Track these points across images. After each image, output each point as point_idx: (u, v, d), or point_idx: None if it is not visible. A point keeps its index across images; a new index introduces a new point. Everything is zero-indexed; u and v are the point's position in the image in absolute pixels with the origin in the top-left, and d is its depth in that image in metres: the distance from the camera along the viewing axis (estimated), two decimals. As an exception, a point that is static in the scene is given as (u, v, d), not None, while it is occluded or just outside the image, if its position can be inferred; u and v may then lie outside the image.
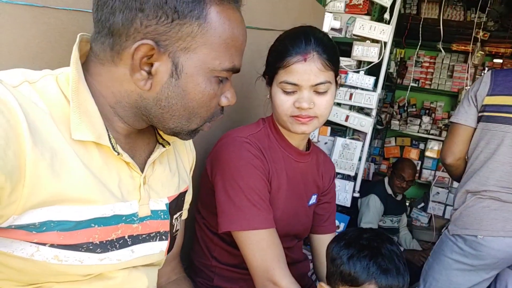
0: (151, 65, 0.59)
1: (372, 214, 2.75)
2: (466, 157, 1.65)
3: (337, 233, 0.95)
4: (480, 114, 1.57)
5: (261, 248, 0.90)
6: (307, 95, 0.94)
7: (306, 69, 0.92)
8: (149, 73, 0.59)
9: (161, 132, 0.74)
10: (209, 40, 0.58)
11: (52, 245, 0.55)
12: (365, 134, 2.43)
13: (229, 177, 0.93)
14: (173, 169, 0.77)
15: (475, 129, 1.59)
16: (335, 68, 0.97)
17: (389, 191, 2.93)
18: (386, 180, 2.98)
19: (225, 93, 0.67)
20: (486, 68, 4.12)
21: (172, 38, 0.57)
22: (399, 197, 2.99)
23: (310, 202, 1.13)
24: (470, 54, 3.38)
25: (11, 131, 0.48)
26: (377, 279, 0.74)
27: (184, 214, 0.85)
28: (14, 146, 0.48)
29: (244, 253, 0.93)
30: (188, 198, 0.86)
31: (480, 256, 1.52)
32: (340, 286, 0.78)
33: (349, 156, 2.37)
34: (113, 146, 0.61)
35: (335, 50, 0.97)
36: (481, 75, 4.06)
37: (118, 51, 0.58)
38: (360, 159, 2.40)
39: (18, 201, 0.50)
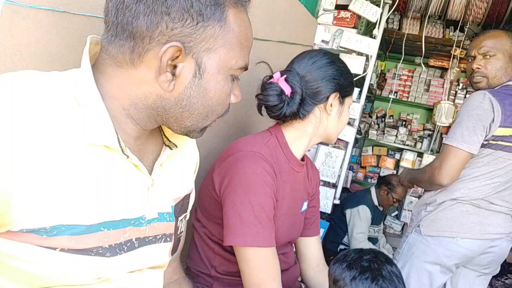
0: (174, 66, 0.60)
1: (364, 224, 2.82)
2: None
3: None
4: (486, 142, 1.55)
5: (259, 265, 0.93)
6: None
7: None
8: (173, 74, 0.60)
9: (167, 134, 0.75)
10: (228, 41, 0.62)
11: (62, 250, 0.55)
12: (347, 143, 2.51)
13: (240, 192, 0.94)
14: (178, 172, 0.78)
15: None
16: None
17: (375, 202, 3.00)
18: (372, 190, 3.05)
19: (234, 90, 0.70)
20: (461, 84, 4.31)
21: (197, 40, 0.60)
22: (381, 208, 3.09)
23: (303, 209, 1.17)
24: (448, 70, 3.53)
25: (20, 134, 0.49)
26: None
27: (187, 215, 0.87)
28: (22, 150, 0.49)
29: (241, 268, 0.95)
30: (191, 200, 0.87)
31: (453, 256, 1.61)
32: None
33: (331, 164, 2.44)
34: (122, 149, 0.61)
35: None
36: (456, 91, 4.25)
37: (140, 54, 0.59)
38: (341, 167, 2.47)
39: (29, 205, 0.50)
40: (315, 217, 1.26)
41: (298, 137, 1.10)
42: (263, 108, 1.10)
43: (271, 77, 1.07)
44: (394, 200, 2.97)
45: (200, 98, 0.64)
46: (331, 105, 1.08)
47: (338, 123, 1.12)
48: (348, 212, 2.92)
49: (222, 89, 0.65)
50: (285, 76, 1.05)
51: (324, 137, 1.13)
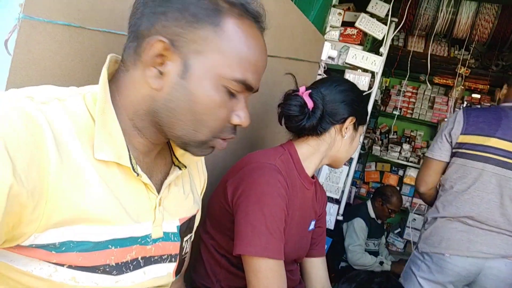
0: (163, 64, 0.60)
1: (359, 236, 2.81)
2: (438, 186, 1.82)
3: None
4: (455, 150, 1.73)
5: (268, 277, 0.93)
6: None
7: None
8: (161, 72, 0.60)
9: (177, 155, 0.75)
10: (221, 47, 0.60)
11: (70, 266, 0.55)
12: (351, 159, 2.51)
13: (254, 201, 0.95)
14: (186, 192, 0.78)
15: (447, 163, 1.76)
16: None
17: (372, 214, 3.00)
18: (369, 203, 3.06)
19: (237, 111, 0.65)
20: (465, 102, 4.32)
21: (187, 40, 0.59)
22: (379, 221, 3.07)
23: (310, 228, 1.17)
24: (452, 87, 3.55)
25: (36, 148, 0.49)
26: None
27: (193, 236, 0.87)
28: (38, 164, 0.49)
29: (249, 279, 0.95)
30: (197, 221, 0.87)
31: (445, 273, 1.65)
32: None
33: (335, 180, 2.44)
34: (133, 167, 0.62)
35: None
36: (460, 108, 4.25)
37: (140, 53, 0.60)
38: (345, 183, 2.46)
39: (40, 218, 0.50)
40: (321, 237, 1.27)
41: (310, 154, 1.12)
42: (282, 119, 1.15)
43: (294, 90, 1.13)
44: (390, 210, 2.97)
45: (186, 102, 0.60)
46: (346, 128, 1.12)
47: (349, 148, 1.15)
48: (344, 226, 2.92)
49: (210, 97, 0.61)
50: (309, 91, 1.10)
51: (333, 159, 1.16)
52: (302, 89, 1.12)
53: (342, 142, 1.12)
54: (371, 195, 3.20)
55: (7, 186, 0.45)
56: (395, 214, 3.10)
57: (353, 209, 3.07)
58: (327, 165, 1.20)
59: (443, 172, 1.80)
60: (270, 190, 0.96)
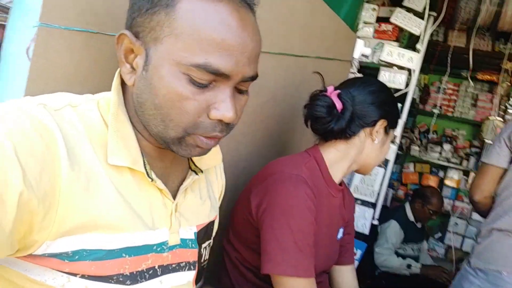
0: (135, 59, 0.58)
1: (391, 239, 2.70)
2: (494, 195, 1.66)
3: (357, 261, 0.95)
4: None
5: None
6: None
7: None
8: (132, 67, 0.58)
9: (194, 159, 0.74)
10: (176, 30, 0.53)
11: (83, 276, 0.54)
12: (387, 160, 2.41)
13: (279, 216, 0.90)
14: (203, 197, 0.76)
15: (505, 169, 1.62)
16: None
17: (411, 217, 2.87)
18: (407, 206, 2.93)
19: (216, 103, 0.57)
20: (511, 99, 4.06)
21: (146, 29, 0.55)
22: (419, 225, 2.94)
23: (339, 236, 1.12)
24: (497, 84, 3.34)
25: (48, 155, 0.49)
26: None
27: (211, 242, 0.85)
28: (50, 170, 0.49)
29: None
30: (215, 227, 0.84)
31: None
32: None
33: (370, 182, 2.35)
34: (147, 172, 0.60)
35: None
36: (506, 106, 4.01)
37: None
38: (381, 186, 2.37)
39: (51, 226, 0.50)
40: (350, 244, 1.22)
41: (338, 159, 1.07)
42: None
43: (321, 90, 1.07)
44: (431, 212, 2.82)
45: (148, 95, 0.56)
46: (377, 132, 1.05)
47: (379, 153, 1.09)
48: (379, 229, 2.81)
49: (168, 87, 0.54)
50: (338, 91, 1.04)
51: (361, 165, 1.10)
52: (330, 89, 1.05)
53: (372, 146, 1.06)
54: (409, 197, 3.07)
55: (17, 193, 0.44)
56: (436, 216, 2.94)
57: (389, 212, 2.95)
58: (355, 171, 1.14)
59: (501, 180, 1.66)
60: (297, 204, 0.91)
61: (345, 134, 1.03)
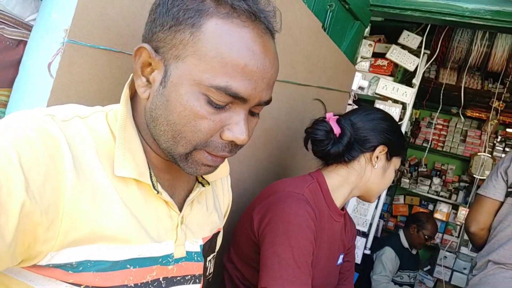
0: (152, 73, 0.58)
1: (387, 266, 2.69)
2: (490, 228, 1.68)
3: None
4: (510, 190, 1.61)
5: None
6: None
7: None
8: (148, 81, 0.59)
9: None
10: (200, 50, 0.54)
11: (87, 287, 0.54)
12: (380, 191, 2.44)
13: (281, 233, 0.92)
14: (210, 209, 0.76)
15: (502, 202, 1.64)
16: None
17: (405, 244, 2.88)
18: (401, 233, 2.94)
19: (230, 125, 0.57)
20: (499, 137, 4.18)
21: (168, 45, 0.56)
22: (414, 251, 2.94)
23: (338, 262, 1.13)
24: (486, 121, 3.44)
25: (53, 166, 0.48)
26: None
27: (215, 255, 0.84)
28: (54, 181, 0.48)
29: None
30: (219, 240, 0.84)
31: None
32: None
33: (363, 212, 2.37)
34: (153, 184, 0.60)
35: None
36: (494, 143, 4.12)
37: None
38: (373, 215, 2.39)
39: (56, 237, 0.49)
40: (349, 272, 1.22)
41: (340, 184, 1.09)
42: (309, 144, 1.14)
43: (323, 117, 1.12)
44: (426, 237, 2.84)
45: (163, 111, 0.56)
46: (377, 157, 1.08)
47: (381, 179, 1.11)
48: (374, 256, 2.80)
49: (185, 105, 0.55)
50: (337, 117, 1.09)
51: (364, 191, 1.12)
52: (329, 115, 1.11)
53: (373, 172, 1.08)
54: (400, 228, 3.09)
55: (19, 203, 0.44)
56: (430, 242, 2.96)
57: (383, 239, 2.96)
58: (358, 197, 1.16)
59: (496, 213, 1.67)
60: (298, 222, 0.93)
61: (344, 157, 1.07)
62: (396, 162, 1.13)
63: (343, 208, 1.13)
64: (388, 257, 2.73)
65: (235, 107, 0.57)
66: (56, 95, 0.68)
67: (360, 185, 1.10)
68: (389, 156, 1.10)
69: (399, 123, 2.39)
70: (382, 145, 1.07)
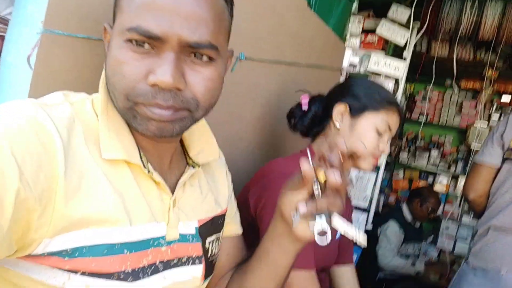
0: None
1: (392, 240, 2.72)
2: (489, 194, 1.67)
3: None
4: (506, 155, 1.60)
5: None
6: (388, 142, 1.08)
7: (398, 123, 1.11)
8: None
9: (191, 154, 0.74)
10: (120, 3, 0.57)
11: (83, 273, 0.54)
12: (378, 166, 2.45)
13: None
14: (204, 192, 0.76)
15: (499, 168, 1.62)
16: None
17: (409, 218, 2.90)
18: (404, 206, 2.96)
19: (154, 68, 0.55)
20: (495, 106, 4.17)
21: (117, 11, 0.58)
22: (417, 224, 2.97)
23: (337, 237, 1.13)
24: (480, 91, 3.43)
25: (45, 154, 0.49)
26: None
27: (236, 229, 0.86)
28: (46, 169, 0.49)
29: None
30: (229, 220, 0.84)
31: None
32: None
33: (363, 188, 2.38)
34: (144, 164, 0.60)
35: None
36: (489, 112, 4.12)
37: None
38: (373, 191, 2.40)
39: (48, 223, 0.50)
40: (348, 245, 1.23)
41: None
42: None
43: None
44: (429, 210, 2.86)
45: (106, 72, 0.59)
46: (337, 116, 1.07)
47: (350, 138, 1.05)
48: (378, 230, 2.83)
49: (113, 56, 0.56)
50: (311, 96, 1.14)
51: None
52: (305, 95, 1.17)
53: (340, 134, 1.06)
54: (402, 202, 3.11)
55: (14, 192, 0.45)
56: (434, 215, 2.99)
57: (386, 214, 2.98)
58: (353, 167, 1.12)
59: (494, 179, 1.66)
60: None
61: (318, 129, 1.11)
62: (370, 117, 1.05)
63: None
64: (392, 231, 2.75)
65: (158, 51, 0.55)
66: (35, 87, 0.68)
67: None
68: (353, 112, 1.06)
69: (392, 97, 2.38)
70: (341, 103, 1.06)
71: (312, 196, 0.62)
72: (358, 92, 1.07)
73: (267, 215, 0.93)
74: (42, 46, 0.67)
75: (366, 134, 1.04)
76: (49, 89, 0.69)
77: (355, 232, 0.61)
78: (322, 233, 0.61)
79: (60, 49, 0.70)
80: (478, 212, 1.74)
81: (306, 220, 0.64)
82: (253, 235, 0.99)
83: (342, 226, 0.60)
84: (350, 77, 1.14)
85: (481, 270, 1.57)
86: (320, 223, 0.61)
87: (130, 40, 0.54)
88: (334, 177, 0.58)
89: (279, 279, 0.75)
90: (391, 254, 2.72)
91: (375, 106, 1.05)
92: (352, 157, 1.06)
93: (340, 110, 1.07)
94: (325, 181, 0.60)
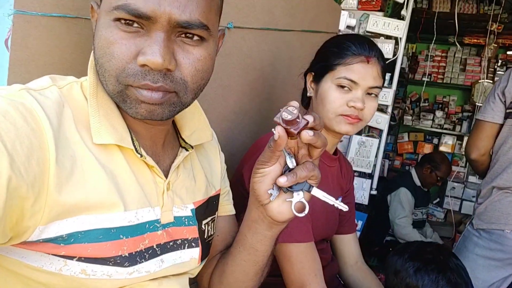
0: None
1: (405, 207, 2.71)
2: (491, 153, 1.65)
3: (358, 231, 0.96)
4: (509, 111, 1.56)
5: (300, 261, 0.90)
6: (361, 96, 0.96)
7: (368, 71, 0.96)
8: None
9: (184, 136, 0.73)
10: None
11: (79, 259, 0.54)
12: (381, 131, 2.42)
13: None
14: (198, 174, 0.75)
15: (501, 125, 1.58)
16: (384, 79, 1.03)
17: (418, 182, 2.89)
18: (413, 171, 2.94)
19: (143, 48, 0.53)
20: (500, 61, 4.07)
21: None
22: (425, 188, 2.96)
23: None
24: (484, 47, 3.34)
25: (35, 140, 0.48)
26: None
27: (228, 210, 0.85)
28: (37, 155, 0.48)
29: (282, 265, 0.92)
30: (222, 201, 0.84)
31: (506, 250, 1.52)
32: None
33: (366, 154, 2.36)
34: (136, 149, 0.59)
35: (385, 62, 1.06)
36: (494, 68, 4.02)
37: None
38: (376, 156, 2.38)
39: (42, 210, 0.49)
40: (350, 213, 1.22)
41: None
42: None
43: None
44: (438, 178, 2.85)
45: (95, 53, 0.57)
46: (312, 87, 1.07)
47: (322, 104, 1.01)
48: (388, 198, 2.83)
49: (101, 36, 0.54)
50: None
51: (327, 124, 1.02)
52: None
53: (316, 102, 1.05)
54: (408, 166, 3.10)
55: (5, 179, 0.44)
56: (441, 183, 2.99)
57: (397, 180, 2.96)
58: (334, 132, 1.04)
59: (497, 136, 1.62)
60: None
61: (305, 102, 1.11)
62: (329, 77, 1.00)
63: (336, 153, 1.11)
64: (404, 198, 2.73)
65: (148, 31, 0.54)
66: (14, 71, 0.65)
67: (325, 120, 1.02)
68: (316, 78, 1.05)
69: (393, 58, 2.32)
70: (308, 74, 1.08)
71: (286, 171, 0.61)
72: (319, 56, 1.07)
73: None
74: (16, 28, 0.65)
75: (327, 96, 1.00)
76: (30, 72, 0.67)
77: (335, 202, 0.63)
78: (301, 210, 0.61)
79: (36, 30, 0.67)
80: (481, 171, 1.72)
81: (282, 197, 0.63)
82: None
83: (321, 195, 0.61)
84: (322, 44, 1.10)
85: (486, 231, 1.57)
86: (298, 198, 0.61)
87: (118, 19, 0.53)
88: (307, 133, 0.55)
89: (260, 265, 0.75)
90: (408, 223, 2.70)
91: (332, 65, 1.00)
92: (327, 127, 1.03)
93: (309, 80, 1.07)
94: (298, 153, 0.61)
